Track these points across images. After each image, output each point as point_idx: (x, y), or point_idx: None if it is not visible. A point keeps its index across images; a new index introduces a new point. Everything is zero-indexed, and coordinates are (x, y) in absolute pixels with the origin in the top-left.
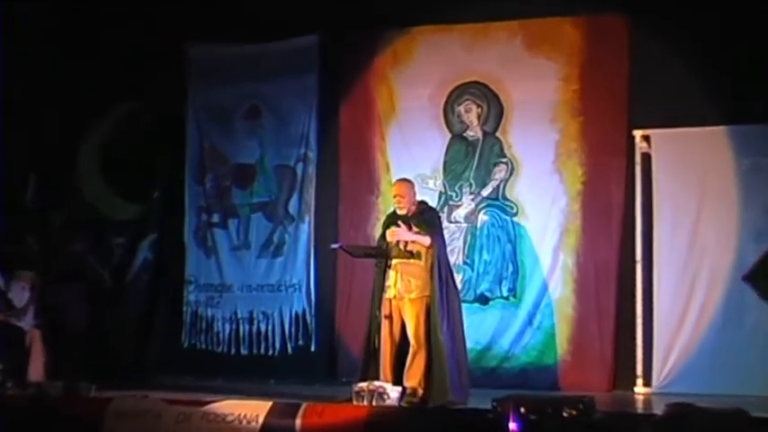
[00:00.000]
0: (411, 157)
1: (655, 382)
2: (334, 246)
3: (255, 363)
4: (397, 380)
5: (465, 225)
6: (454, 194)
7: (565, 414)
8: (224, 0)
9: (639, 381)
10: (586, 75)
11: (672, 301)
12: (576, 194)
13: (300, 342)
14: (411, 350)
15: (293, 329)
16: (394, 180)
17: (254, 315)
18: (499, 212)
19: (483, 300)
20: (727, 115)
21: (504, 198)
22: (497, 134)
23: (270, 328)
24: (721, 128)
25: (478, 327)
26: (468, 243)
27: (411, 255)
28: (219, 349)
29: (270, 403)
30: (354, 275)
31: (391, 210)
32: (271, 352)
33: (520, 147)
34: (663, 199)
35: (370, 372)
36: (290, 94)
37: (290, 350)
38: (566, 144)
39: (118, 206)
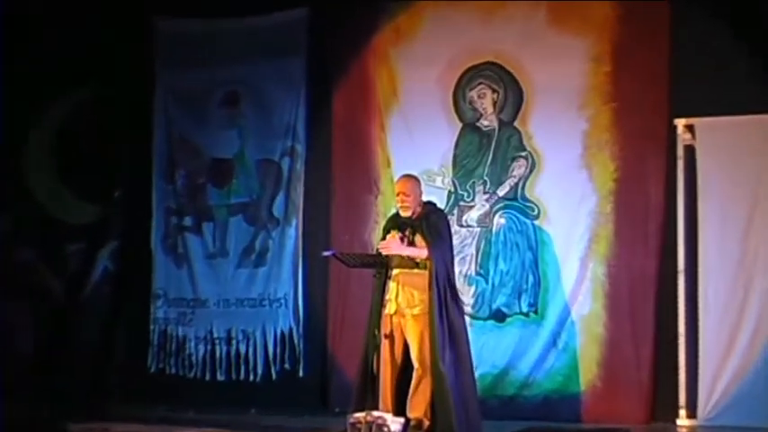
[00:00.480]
0: (415, 151)
1: (700, 413)
2: (325, 253)
3: (234, 390)
4: (400, 410)
5: (478, 229)
6: (465, 194)
7: None
8: None
9: (682, 412)
10: (620, 54)
11: (720, 319)
12: (607, 193)
13: (286, 366)
14: (415, 375)
15: (278, 351)
16: (396, 177)
17: (233, 334)
18: (518, 215)
19: (499, 316)
20: None
21: (524, 198)
22: (516, 124)
23: (251, 349)
24: None
25: (494, 348)
26: (481, 250)
27: (415, 264)
28: (192, 374)
29: None
30: (349, 288)
31: (393, 211)
32: (252, 377)
33: (542, 138)
34: (709, 198)
35: (368, 400)
36: (275, 78)
37: (274, 375)
38: (596, 135)
39: (73, 207)
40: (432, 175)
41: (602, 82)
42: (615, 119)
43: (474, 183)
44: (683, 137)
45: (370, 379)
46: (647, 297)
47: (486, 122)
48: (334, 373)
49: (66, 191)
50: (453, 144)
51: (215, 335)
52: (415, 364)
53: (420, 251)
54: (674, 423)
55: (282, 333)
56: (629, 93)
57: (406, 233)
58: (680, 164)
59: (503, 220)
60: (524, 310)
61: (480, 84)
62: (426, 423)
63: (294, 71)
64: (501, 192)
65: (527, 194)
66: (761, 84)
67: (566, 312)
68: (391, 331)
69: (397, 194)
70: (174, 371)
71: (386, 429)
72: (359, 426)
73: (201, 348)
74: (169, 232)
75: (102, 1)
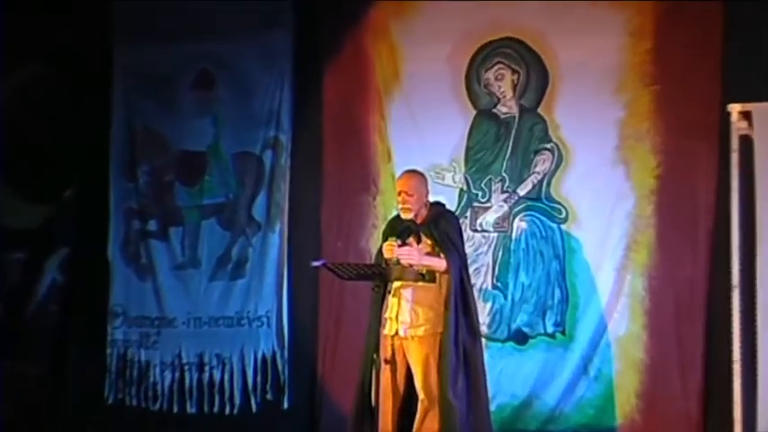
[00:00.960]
0: (421, 143)
1: None
2: (315, 263)
3: (207, 425)
4: None
5: (495, 235)
6: (480, 193)
7: None
8: None
9: None
10: (664, 28)
11: None
12: (648, 193)
13: (269, 396)
14: (420, 406)
15: (259, 379)
16: (398, 173)
17: (205, 359)
18: (542, 218)
19: (520, 338)
20: None
21: (549, 198)
22: (539, 110)
23: (227, 376)
24: None
25: (514, 375)
26: (499, 260)
27: (422, 276)
28: (157, 406)
29: None
30: (343, 304)
31: (394, 214)
32: (228, 409)
33: (571, 128)
34: None
35: None
36: (256, 55)
37: (254, 407)
38: (634, 124)
39: (15, 209)
40: (440, 170)
41: (643, 61)
42: (657, 104)
43: (490, 180)
44: (737, 125)
45: (367, 412)
46: (695, 315)
47: (504, 109)
48: (324, 404)
49: (7, 189)
50: (466, 134)
51: (184, 360)
52: (420, 394)
53: (440, 262)
54: None
55: (264, 357)
56: (674, 73)
57: (408, 240)
58: (734, 157)
59: (524, 225)
60: (549, 330)
61: (498, 63)
62: None
63: (278, 47)
64: (522, 191)
65: (553, 194)
66: None
67: (599, 333)
68: (392, 355)
69: (399, 194)
70: (135, 402)
71: None
72: None
73: (168, 376)
74: (130, 238)
75: None
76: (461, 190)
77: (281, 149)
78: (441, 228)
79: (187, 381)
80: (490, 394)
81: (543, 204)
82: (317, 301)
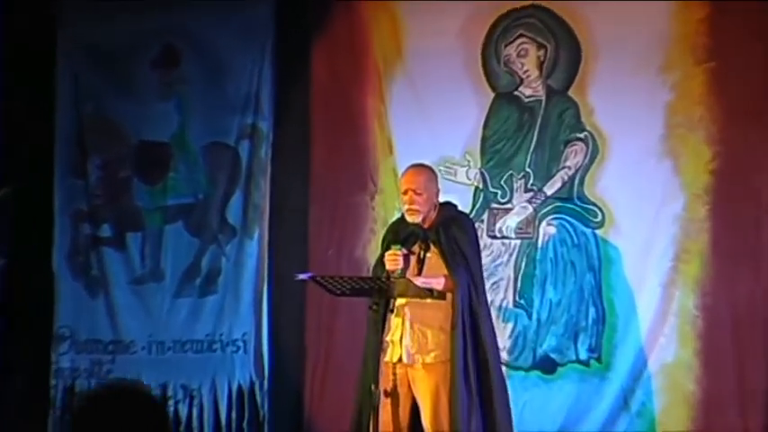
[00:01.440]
0: (429, 131)
1: None
2: (301, 276)
3: None
4: None
5: (517, 242)
6: (500, 192)
7: None
8: None
9: None
10: None
11: None
12: (700, 192)
13: None
14: None
15: (234, 414)
16: (401, 168)
17: (170, 391)
18: (574, 222)
19: (547, 366)
20: None
21: (582, 198)
22: (571, 93)
23: (195, 411)
24: None
25: (540, 410)
26: (522, 272)
27: (429, 292)
28: None
29: None
30: (335, 325)
31: (396, 216)
32: None
33: (607, 113)
34: None
35: None
36: (230, 27)
37: None
38: (684, 109)
39: None
40: (451, 165)
41: (694, 32)
42: (712, 86)
43: (512, 176)
44: None
45: None
46: (757, 339)
47: (528, 91)
48: None
49: None
50: (482, 122)
51: None
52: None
53: (437, 281)
54: None
55: (240, 389)
56: (733, 48)
57: (415, 249)
58: None
59: (552, 230)
60: (583, 356)
61: (521, 37)
62: None
63: (258, 18)
64: (549, 189)
65: (586, 193)
66: None
67: (641, 361)
68: (394, 386)
69: (404, 193)
70: None
71: None
72: None
73: None
74: (78, 247)
75: None
76: (477, 188)
77: (260, 140)
78: (450, 235)
79: None
80: None
81: (575, 205)
82: (304, 321)
